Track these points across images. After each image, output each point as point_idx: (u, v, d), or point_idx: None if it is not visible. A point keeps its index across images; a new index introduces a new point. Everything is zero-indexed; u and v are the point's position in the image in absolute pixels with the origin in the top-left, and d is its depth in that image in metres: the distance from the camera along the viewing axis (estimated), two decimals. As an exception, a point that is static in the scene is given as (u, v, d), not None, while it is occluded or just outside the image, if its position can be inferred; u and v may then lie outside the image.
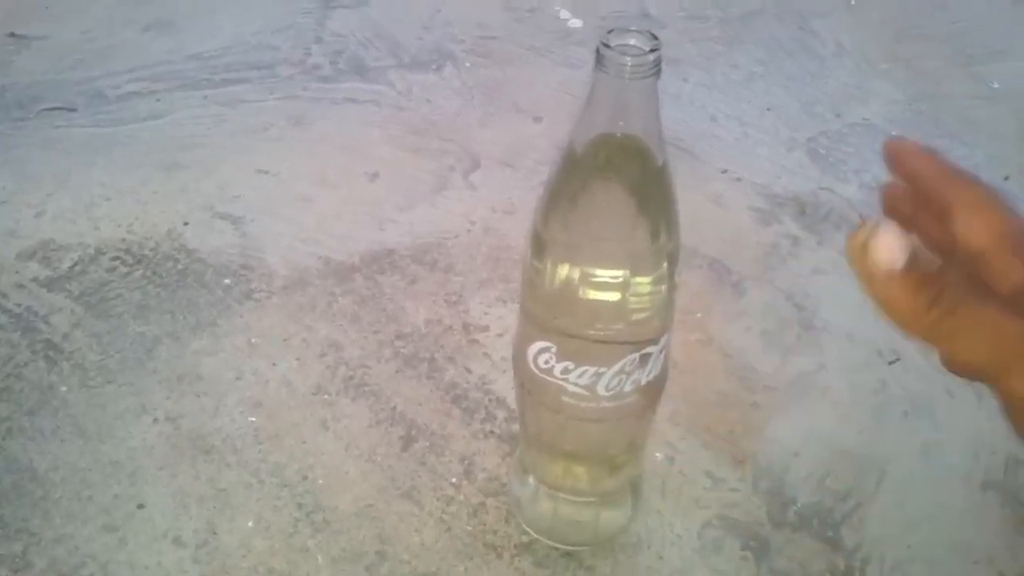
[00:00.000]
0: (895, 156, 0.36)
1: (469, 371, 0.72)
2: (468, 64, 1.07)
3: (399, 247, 0.83)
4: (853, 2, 1.20)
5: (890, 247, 0.32)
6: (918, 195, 0.36)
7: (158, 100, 1.01)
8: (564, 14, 1.16)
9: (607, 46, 0.40)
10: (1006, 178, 0.93)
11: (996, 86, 1.07)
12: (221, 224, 0.85)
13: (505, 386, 0.71)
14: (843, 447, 0.68)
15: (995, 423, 0.68)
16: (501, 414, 0.69)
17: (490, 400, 0.70)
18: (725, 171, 0.92)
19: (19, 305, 0.77)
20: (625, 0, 1.19)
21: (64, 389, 0.71)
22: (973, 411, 0.70)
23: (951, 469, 0.67)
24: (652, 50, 0.40)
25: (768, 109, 1.02)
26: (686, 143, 0.96)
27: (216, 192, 0.88)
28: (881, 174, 0.93)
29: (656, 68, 0.40)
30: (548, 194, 0.46)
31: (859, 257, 0.33)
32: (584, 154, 0.43)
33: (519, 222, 0.86)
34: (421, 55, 1.08)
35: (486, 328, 0.76)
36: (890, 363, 0.74)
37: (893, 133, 0.98)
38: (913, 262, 0.32)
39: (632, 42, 0.40)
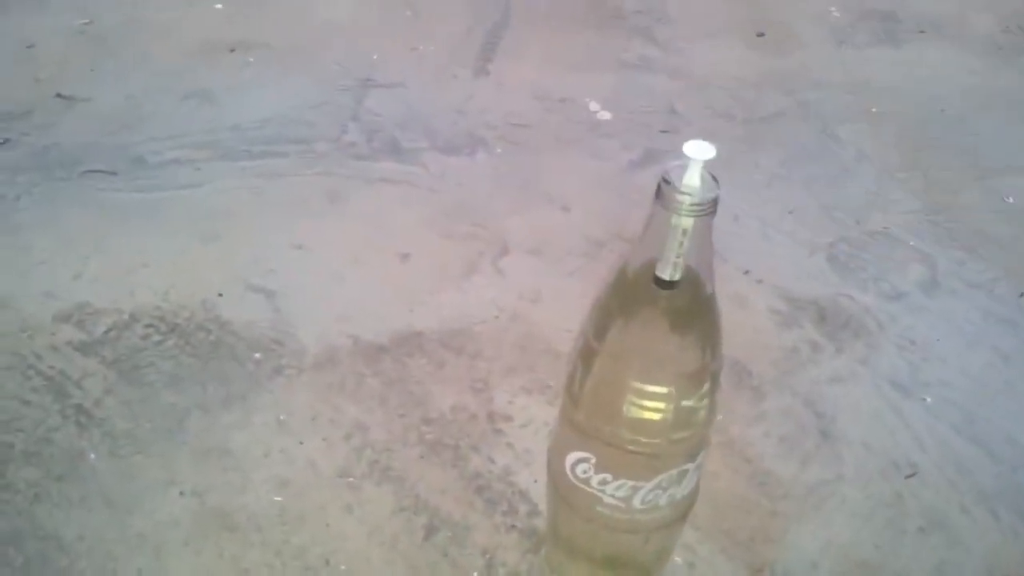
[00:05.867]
0: None
1: (493, 461, 0.73)
2: (499, 151, 1.10)
3: (427, 330, 0.85)
4: (874, 110, 1.23)
5: None
6: None
7: (197, 169, 1.04)
8: (594, 106, 1.20)
9: (668, 182, 0.42)
10: (1021, 295, 0.95)
11: (1011, 201, 1.10)
12: (254, 297, 0.87)
13: (527, 479, 0.72)
14: (860, 559, 0.69)
15: (1010, 543, 0.69)
16: (523, 508, 0.70)
17: (513, 493, 0.71)
18: (747, 272, 0.94)
19: (53, 368, 0.79)
20: (653, 96, 1.23)
21: (93, 457, 0.72)
22: (988, 530, 0.71)
23: (967, 590, 0.67)
24: (711, 193, 0.42)
25: (789, 212, 1.04)
26: (710, 241, 0.98)
27: (251, 264, 0.90)
28: (900, 285, 0.95)
29: (713, 209, 0.42)
30: (601, 309, 0.47)
31: None
32: (638, 276, 0.45)
33: (545, 311, 0.88)
34: (455, 139, 1.12)
35: (510, 418, 0.77)
36: (907, 477, 0.75)
37: (911, 243, 1.01)
38: None
39: (693, 181, 0.42)
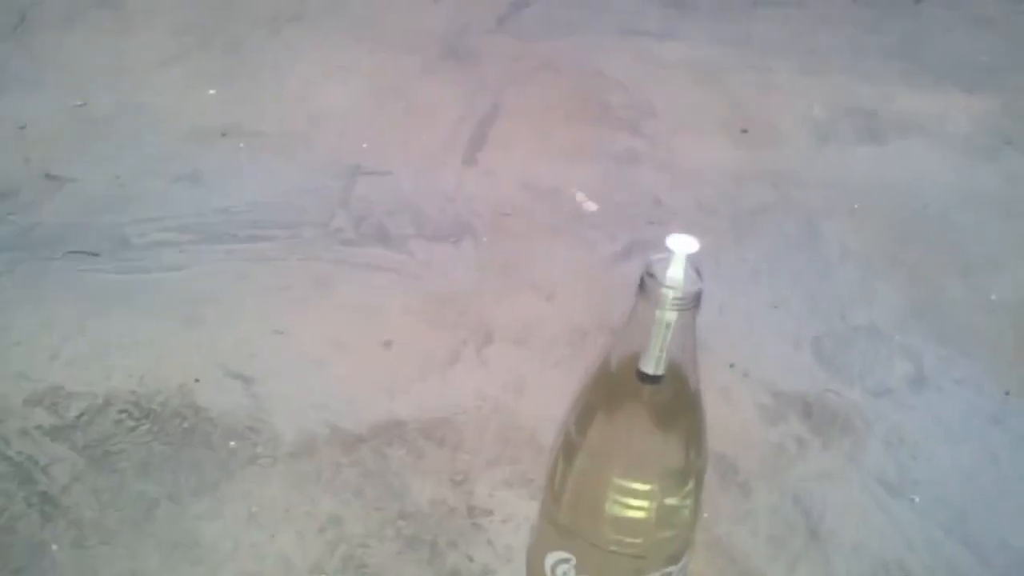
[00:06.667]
0: None
1: (471, 559, 0.71)
2: (486, 239, 1.11)
3: (408, 419, 0.83)
4: (857, 206, 1.25)
5: None
6: None
7: (181, 251, 1.03)
8: (580, 196, 1.21)
9: (651, 275, 0.41)
10: (1007, 393, 0.94)
11: (994, 298, 1.10)
12: (232, 383, 0.85)
13: (507, 577, 0.70)
14: (851, 669, 0.66)
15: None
16: (502, 608, 0.67)
17: (492, 592, 0.68)
18: (732, 365, 0.94)
19: (20, 453, 0.76)
20: (639, 188, 1.24)
21: (55, 548, 0.69)
22: (983, 639, 0.69)
23: None
24: (695, 286, 0.41)
25: (775, 306, 1.04)
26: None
27: (231, 349, 0.89)
28: (886, 380, 0.94)
29: (697, 303, 0.41)
30: (583, 403, 0.46)
31: None
32: (621, 370, 0.44)
33: (529, 402, 0.87)
34: (443, 227, 1.12)
35: (490, 512, 0.75)
36: (898, 580, 0.73)
37: (897, 339, 1.00)
38: None
39: (677, 275, 0.41)
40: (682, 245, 0.41)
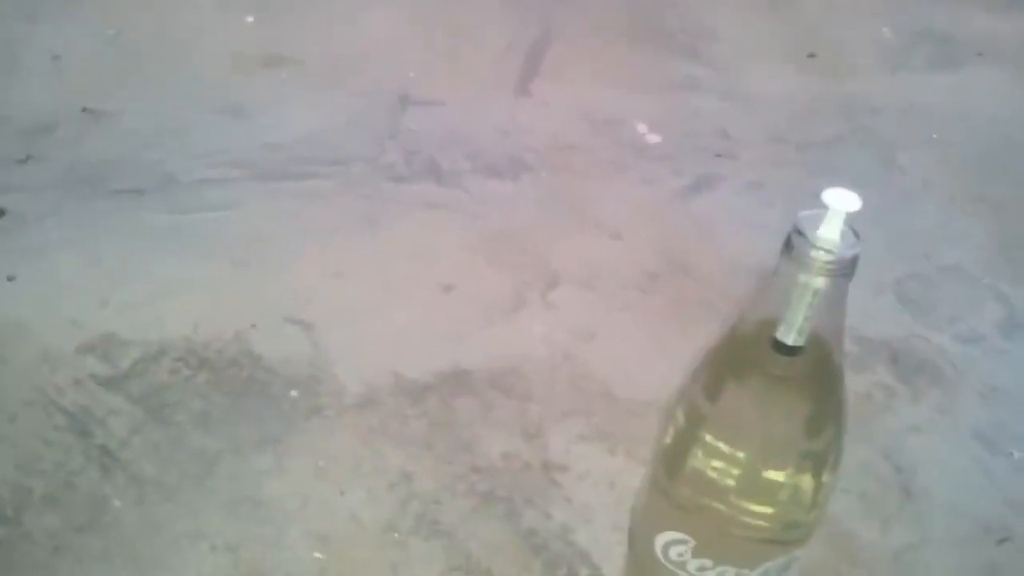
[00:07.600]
0: None
1: (549, 517, 0.68)
2: (544, 174, 1.05)
3: (474, 368, 0.79)
4: (935, 136, 1.17)
5: None
6: None
7: (230, 190, 0.98)
8: (642, 128, 1.14)
9: (800, 233, 0.36)
10: (1107, 339, 0.88)
11: (1088, 236, 1.03)
12: (291, 330, 0.82)
13: (587, 537, 0.66)
14: (954, 637, 0.63)
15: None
16: (584, 572, 0.64)
17: (573, 553, 0.65)
18: (813, 309, 0.88)
19: (76, 404, 0.73)
20: (702, 118, 1.17)
21: (118, 504, 0.66)
22: (1093, 605, 0.65)
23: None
24: (851, 250, 0.36)
25: (853, 244, 0.98)
26: (771, 275, 0.92)
27: (287, 294, 0.85)
28: (977, 326, 0.89)
29: (851, 269, 0.36)
30: (711, 371, 0.42)
31: None
32: (755, 336, 0.39)
33: (599, 349, 0.83)
34: (497, 161, 1.06)
35: (567, 468, 0.72)
36: (999, 543, 0.69)
37: (985, 281, 0.94)
38: None
39: (831, 235, 0.36)
40: (840, 201, 0.36)
